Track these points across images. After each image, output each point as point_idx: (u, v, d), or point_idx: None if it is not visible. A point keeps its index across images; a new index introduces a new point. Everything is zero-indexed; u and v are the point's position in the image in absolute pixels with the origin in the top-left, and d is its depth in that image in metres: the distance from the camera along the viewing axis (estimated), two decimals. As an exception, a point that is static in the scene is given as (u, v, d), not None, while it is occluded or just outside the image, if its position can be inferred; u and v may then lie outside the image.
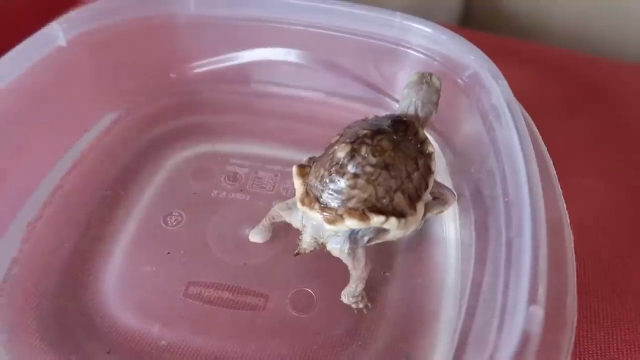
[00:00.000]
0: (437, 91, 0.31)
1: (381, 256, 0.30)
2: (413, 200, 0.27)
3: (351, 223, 0.25)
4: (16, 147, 0.31)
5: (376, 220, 0.26)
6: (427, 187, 0.28)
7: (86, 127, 0.35)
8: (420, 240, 0.31)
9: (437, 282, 0.29)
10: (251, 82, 0.39)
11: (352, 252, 0.27)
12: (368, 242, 0.27)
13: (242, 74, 0.39)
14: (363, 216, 0.25)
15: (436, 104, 0.31)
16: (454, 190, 0.31)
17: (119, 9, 0.35)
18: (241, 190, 0.33)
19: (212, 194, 0.33)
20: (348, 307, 0.28)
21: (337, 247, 0.27)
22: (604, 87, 0.48)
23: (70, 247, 0.30)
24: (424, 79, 0.31)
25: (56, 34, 0.32)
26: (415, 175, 0.27)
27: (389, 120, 0.28)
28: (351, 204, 0.26)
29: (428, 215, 0.29)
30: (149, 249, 0.30)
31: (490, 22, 0.68)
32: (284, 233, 0.31)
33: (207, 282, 0.29)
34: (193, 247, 0.30)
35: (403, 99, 0.31)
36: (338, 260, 0.29)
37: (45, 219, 0.31)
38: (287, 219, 0.29)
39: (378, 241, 0.28)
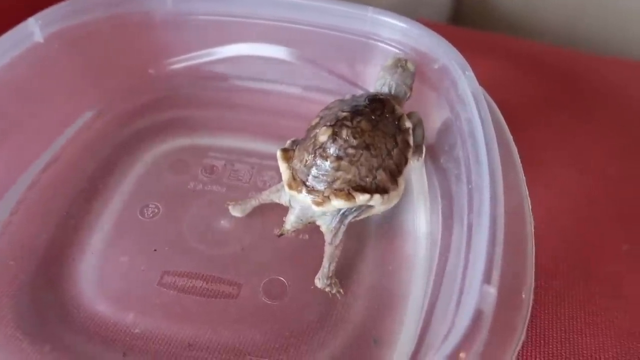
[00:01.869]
0: (412, 75, 0.32)
1: (353, 245, 0.31)
2: (394, 175, 0.28)
3: (338, 203, 0.27)
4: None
5: (362, 198, 0.27)
6: (406, 161, 0.29)
7: (66, 122, 0.36)
8: (392, 228, 0.32)
9: (406, 269, 0.29)
10: (228, 77, 0.40)
11: (336, 230, 0.28)
12: (355, 217, 0.29)
13: (219, 69, 0.39)
14: (349, 196, 0.27)
15: (410, 87, 0.32)
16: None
17: (96, 5, 0.35)
18: (218, 183, 0.34)
19: (189, 186, 0.34)
20: (319, 294, 0.28)
21: (325, 224, 0.28)
22: (581, 80, 0.49)
23: (48, 238, 0.30)
24: (399, 63, 0.32)
25: (33, 30, 0.32)
26: (395, 152, 0.29)
27: (367, 100, 0.29)
28: (336, 185, 0.27)
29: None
30: (125, 240, 0.31)
31: (481, 19, 0.69)
32: (259, 224, 0.32)
33: (182, 271, 0.29)
34: (168, 238, 0.31)
35: (378, 80, 0.33)
36: (310, 249, 0.30)
37: (24, 210, 0.31)
38: (277, 200, 0.30)
39: (364, 216, 0.29)
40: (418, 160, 0.32)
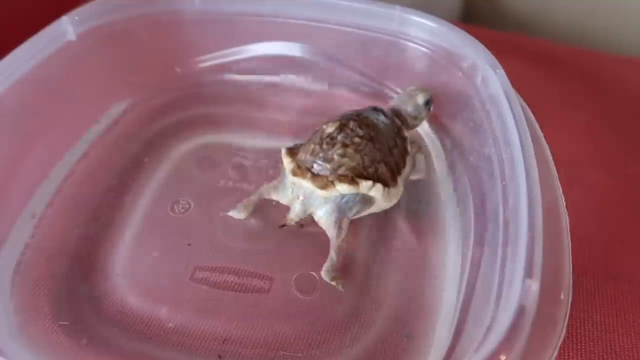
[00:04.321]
0: (416, 105, 0.33)
1: (381, 241, 0.31)
2: (394, 173, 0.30)
3: (342, 188, 0.28)
4: (28, 138, 0.32)
5: (365, 185, 0.28)
6: (404, 165, 0.31)
7: (95, 119, 0.36)
8: (421, 225, 0.32)
9: (438, 264, 0.29)
10: (255, 75, 0.40)
11: (339, 220, 0.29)
12: (355, 214, 0.29)
13: (246, 67, 0.40)
14: (353, 181, 0.28)
15: (414, 117, 0.33)
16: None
17: (126, 4, 0.36)
18: (247, 180, 0.34)
19: (219, 184, 0.34)
20: (349, 289, 0.28)
21: (325, 216, 0.29)
22: (602, 79, 0.49)
23: (80, 233, 0.31)
24: (411, 91, 0.34)
25: (66, 28, 0.33)
26: (396, 151, 0.30)
27: (370, 108, 0.32)
28: (341, 171, 0.28)
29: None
30: (156, 236, 0.31)
31: (491, 18, 0.69)
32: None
33: (213, 266, 0.29)
34: (199, 233, 0.31)
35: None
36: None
37: (57, 206, 0.32)
38: (275, 197, 0.31)
39: (364, 213, 0.30)
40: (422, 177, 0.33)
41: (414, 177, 0.32)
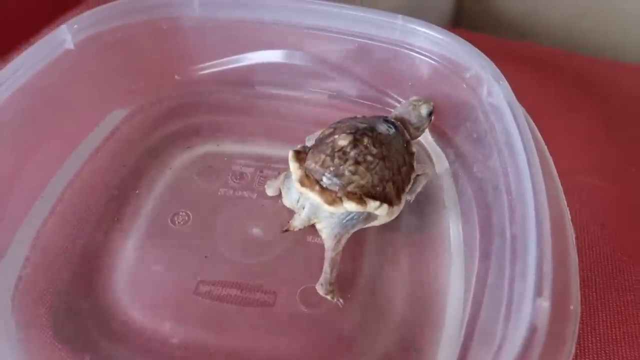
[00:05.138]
0: (419, 117, 0.33)
1: (386, 254, 0.31)
2: (399, 191, 0.29)
3: (349, 206, 0.27)
4: (26, 148, 0.31)
5: (372, 205, 0.28)
6: (409, 182, 0.31)
7: (95, 128, 0.36)
8: (425, 238, 0.32)
9: (442, 278, 0.29)
10: (255, 83, 0.40)
11: (340, 236, 0.28)
12: (361, 227, 0.29)
13: (246, 75, 0.39)
14: (361, 200, 0.27)
15: (416, 128, 0.33)
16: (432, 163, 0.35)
17: (125, 12, 0.35)
18: (247, 189, 0.34)
19: (219, 193, 0.34)
20: (355, 302, 0.28)
21: (328, 229, 0.29)
22: (599, 86, 0.49)
23: (80, 246, 0.30)
24: (414, 101, 0.34)
25: (64, 37, 0.32)
26: (404, 169, 0.30)
27: (381, 119, 0.31)
28: (350, 188, 0.28)
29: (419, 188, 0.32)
30: (158, 248, 0.30)
31: (482, 23, 0.69)
32: (291, 231, 0.31)
33: (216, 280, 0.29)
34: (201, 246, 0.31)
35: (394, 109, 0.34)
36: (344, 257, 0.30)
37: (56, 218, 0.31)
38: (283, 193, 0.31)
39: (363, 226, 0.30)
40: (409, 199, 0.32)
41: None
